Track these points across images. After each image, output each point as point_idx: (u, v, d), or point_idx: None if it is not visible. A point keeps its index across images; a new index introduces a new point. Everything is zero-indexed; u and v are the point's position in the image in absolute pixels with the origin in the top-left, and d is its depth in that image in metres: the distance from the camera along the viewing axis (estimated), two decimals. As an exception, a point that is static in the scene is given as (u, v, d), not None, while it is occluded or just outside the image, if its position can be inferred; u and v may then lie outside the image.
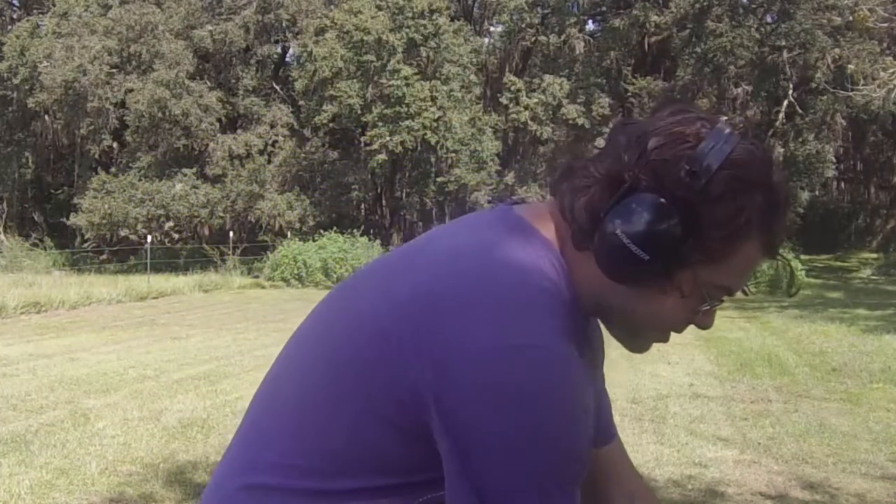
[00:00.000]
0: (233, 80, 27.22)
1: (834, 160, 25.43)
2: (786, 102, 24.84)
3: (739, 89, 26.54)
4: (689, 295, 0.91)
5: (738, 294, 0.98)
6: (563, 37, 27.08)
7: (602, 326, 1.06)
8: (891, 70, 18.35)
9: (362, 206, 28.26)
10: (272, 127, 26.51)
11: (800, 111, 24.61)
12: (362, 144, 25.01)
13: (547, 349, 0.84)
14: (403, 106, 23.42)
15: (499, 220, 0.97)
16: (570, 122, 25.64)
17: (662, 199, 0.86)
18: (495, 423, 0.83)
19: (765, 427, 5.75)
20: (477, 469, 0.84)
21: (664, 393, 6.92)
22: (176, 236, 26.22)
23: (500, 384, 0.83)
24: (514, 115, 26.33)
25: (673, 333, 0.99)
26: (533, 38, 27.70)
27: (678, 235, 0.86)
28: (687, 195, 0.86)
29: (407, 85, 23.43)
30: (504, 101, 26.31)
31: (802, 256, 21.45)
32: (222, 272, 21.63)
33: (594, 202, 0.90)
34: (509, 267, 0.90)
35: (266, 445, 0.96)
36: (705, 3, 23.77)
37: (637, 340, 0.99)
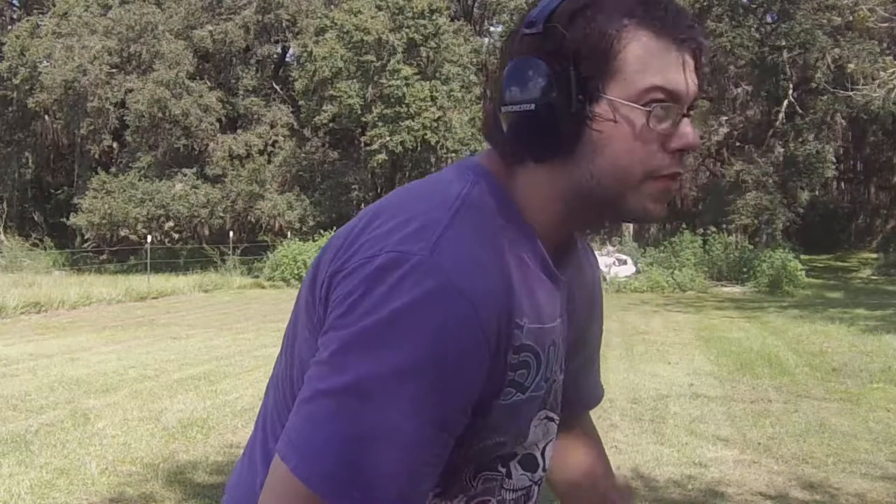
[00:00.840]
0: (233, 80, 27.23)
1: (834, 160, 25.41)
2: (786, 102, 24.84)
3: (739, 89, 26.54)
4: (624, 117, 0.84)
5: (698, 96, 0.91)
6: (563, 37, 27.08)
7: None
8: (891, 70, 18.34)
9: (362, 206, 28.22)
10: (272, 127, 26.51)
11: (800, 111, 24.62)
12: (362, 144, 25.01)
13: (440, 267, 0.79)
14: (403, 106, 23.43)
15: (456, 165, 0.96)
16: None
17: (519, 58, 0.86)
18: (360, 308, 0.79)
19: (765, 427, 5.75)
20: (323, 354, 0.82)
21: (664, 393, 6.93)
22: (176, 236, 26.24)
23: (378, 279, 0.80)
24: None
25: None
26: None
27: (551, 72, 0.84)
28: (539, 42, 0.85)
29: (407, 85, 23.44)
30: (504, 101, 26.28)
31: (802, 256, 21.45)
32: (222, 272, 21.64)
33: (491, 107, 0.90)
34: (431, 187, 0.89)
35: (272, 439, 0.96)
36: (705, 3, 23.78)
37: (632, 202, 0.88)
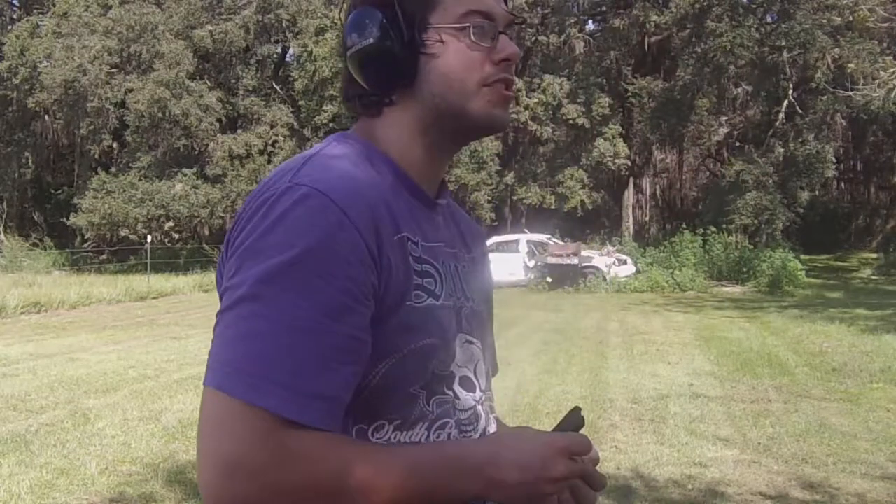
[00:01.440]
0: (233, 80, 27.23)
1: (834, 160, 25.42)
2: (786, 102, 24.84)
3: (739, 89, 26.54)
4: (450, 39, 0.97)
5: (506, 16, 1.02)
6: (563, 37, 27.09)
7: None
8: (891, 70, 18.34)
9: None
10: (272, 127, 26.52)
11: (800, 111, 24.62)
12: (362, 144, 25.00)
13: (320, 194, 0.87)
14: (403, 106, 23.38)
15: None
16: (570, 122, 25.64)
17: (352, 8, 0.99)
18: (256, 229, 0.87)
19: (765, 427, 5.75)
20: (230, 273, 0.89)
21: (664, 393, 6.93)
22: (176, 236, 26.26)
23: (257, 210, 0.89)
24: (514, 115, 26.33)
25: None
26: (533, 38, 27.69)
27: (379, 12, 0.96)
28: None
29: (407, 85, 23.41)
30: (504, 101, 26.28)
31: (802, 256, 21.46)
32: (222, 272, 21.59)
33: (346, 71, 1.02)
34: (295, 157, 0.99)
35: None
36: (705, 3, 23.77)
37: (475, 111, 0.99)
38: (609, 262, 20.13)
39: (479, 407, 1.03)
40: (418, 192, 1.01)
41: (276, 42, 28.44)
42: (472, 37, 0.97)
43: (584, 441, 0.97)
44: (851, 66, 20.26)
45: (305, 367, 0.82)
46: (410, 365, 0.93)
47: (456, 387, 1.00)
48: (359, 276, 0.86)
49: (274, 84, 28.33)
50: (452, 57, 0.97)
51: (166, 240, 25.52)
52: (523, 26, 28.35)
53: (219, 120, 26.02)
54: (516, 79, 1.00)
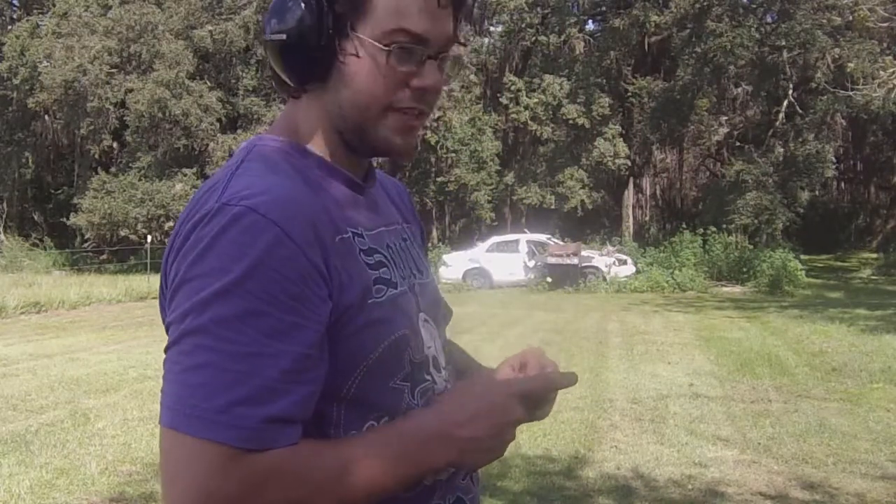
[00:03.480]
0: (233, 80, 27.23)
1: (834, 160, 25.41)
2: (786, 102, 24.85)
3: (739, 89, 26.54)
4: (368, 55, 0.91)
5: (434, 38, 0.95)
6: (563, 37, 27.08)
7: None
8: (891, 70, 18.34)
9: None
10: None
11: (800, 111, 24.62)
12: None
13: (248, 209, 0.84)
14: (403, 106, 23.40)
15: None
16: (570, 122, 25.64)
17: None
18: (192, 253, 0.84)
19: (765, 427, 5.75)
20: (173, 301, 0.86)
21: (664, 393, 6.93)
22: (176, 236, 26.20)
23: (187, 237, 0.86)
24: (514, 115, 26.34)
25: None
26: (533, 38, 27.70)
27: (304, 5, 0.90)
28: None
29: (407, 85, 23.43)
30: (504, 100, 26.32)
31: (802, 256, 21.45)
32: (222, 272, 21.60)
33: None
34: (216, 173, 0.95)
35: None
36: (705, 3, 23.77)
37: (374, 133, 0.94)
38: (609, 262, 20.13)
39: (447, 385, 1.03)
40: (351, 183, 0.98)
41: (276, 42, 28.42)
42: (391, 59, 0.90)
43: (534, 381, 0.97)
44: (851, 66, 20.26)
45: (256, 394, 0.80)
46: (388, 361, 0.92)
47: (431, 369, 1.00)
48: (303, 292, 0.83)
49: (277, 88, 28.33)
50: (365, 74, 0.91)
51: (166, 240, 25.45)
52: (526, 29, 28.35)
53: (219, 120, 26.01)
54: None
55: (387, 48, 0.90)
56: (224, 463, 0.79)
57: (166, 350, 0.85)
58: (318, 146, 0.97)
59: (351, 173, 0.99)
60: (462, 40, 0.97)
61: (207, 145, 25.83)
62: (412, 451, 0.89)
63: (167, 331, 0.86)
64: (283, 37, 0.91)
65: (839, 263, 27.67)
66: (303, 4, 0.90)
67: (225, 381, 0.80)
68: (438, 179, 26.23)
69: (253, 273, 0.81)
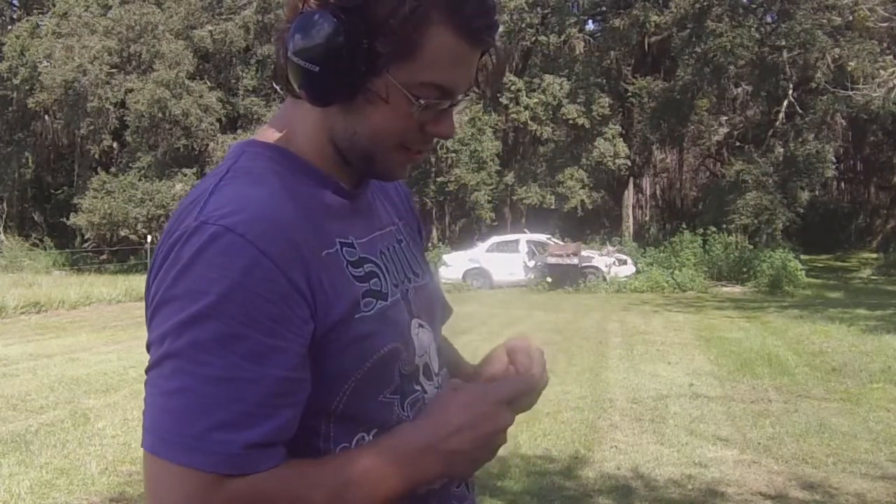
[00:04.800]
0: (233, 80, 27.23)
1: (834, 160, 25.42)
2: (786, 102, 24.84)
3: (739, 89, 26.54)
4: (396, 100, 0.89)
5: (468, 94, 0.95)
6: (563, 37, 27.08)
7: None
8: (891, 69, 18.35)
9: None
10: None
11: (800, 111, 24.62)
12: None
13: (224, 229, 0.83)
14: (403, 106, 23.38)
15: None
16: (570, 122, 25.64)
17: (317, 11, 0.86)
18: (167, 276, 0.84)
19: (765, 427, 5.75)
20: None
21: (664, 393, 6.93)
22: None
23: (166, 256, 0.85)
24: (514, 115, 26.33)
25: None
26: (533, 38, 27.69)
27: (342, 40, 0.85)
28: (345, 3, 0.86)
29: (407, 85, 23.40)
30: (504, 101, 26.30)
31: (802, 256, 21.45)
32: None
33: (281, 44, 0.92)
34: (204, 179, 0.95)
35: None
36: (705, 3, 23.77)
37: (379, 163, 0.94)
38: (609, 262, 20.13)
39: (438, 391, 1.01)
40: (342, 191, 0.97)
41: (276, 42, 28.43)
42: (417, 111, 0.89)
43: (521, 385, 0.96)
44: (851, 65, 20.26)
45: (236, 419, 0.79)
46: (376, 376, 0.91)
47: (422, 379, 0.98)
48: (283, 313, 0.82)
49: (274, 84, 28.32)
50: (388, 117, 0.90)
51: (166, 240, 25.49)
52: (526, 29, 28.29)
53: (219, 120, 26.01)
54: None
55: (417, 101, 0.89)
56: (205, 488, 0.79)
57: (146, 372, 0.84)
58: (310, 152, 0.95)
59: (343, 180, 0.97)
60: (480, 89, 0.96)
61: (207, 145, 25.83)
62: (400, 467, 0.88)
63: (148, 350, 0.85)
64: (315, 69, 0.86)
65: (839, 263, 27.67)
66: (342, 35, 0.85)
67: (202, 407, 0.79)
68: (438, 179, 26.23)
69: (230, 295, 0.80)
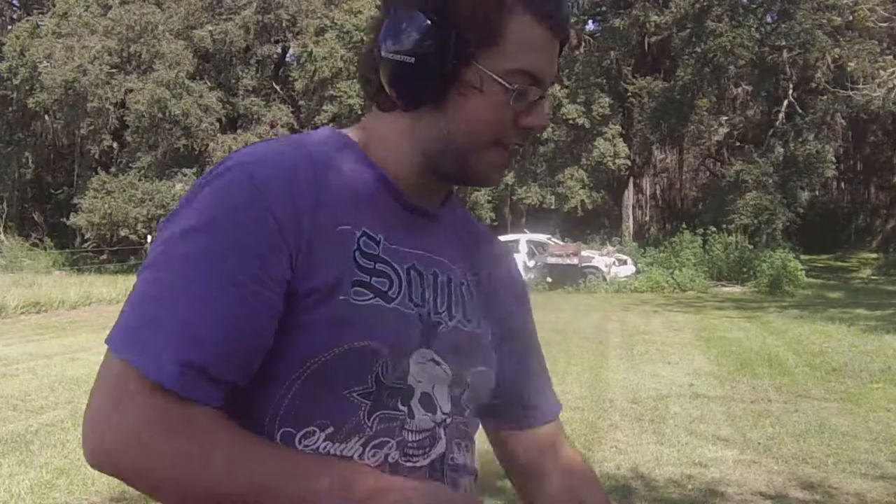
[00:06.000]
0: (233, 80, 27.22)
1: (834, 160, 25.42)
2: (786, 102, 24.84)
3: (739, 89, 26.54)
4: (489, 88, 0.90)
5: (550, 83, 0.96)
6: (563, 37, 27.07)
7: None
8: (891, 69, 18.35)
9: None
10: (272, 127, 26.51)
11: (800, 111, 24.62)
12: (362, 144, 25.03)
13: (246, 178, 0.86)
14: (403, 106, 23.39)
15: None
16: (570, 122, 25.63)
17: (405, 13, 0.90)
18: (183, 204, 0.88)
19: (765, 427, 5.75)
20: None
21: (664, 393, 6.93)
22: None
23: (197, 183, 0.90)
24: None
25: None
26: (533, 38, 27.68)
27: (433, 29, 0.88)
28: (430, 2, 0.90)
29: (407, 85, 23.41)
30: (504, 100, 26.28)
31: (802, 256, 21.46)
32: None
33: (370, 51, 0.95)
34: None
35: None
36: (705, 3, 23.78)
37: (473, 164, 0.94)
38: (609, 262, 20.13)
39: (441, 430, 0.94)
40: (399, 197, 0.95)
41: (276, 42, 28.43)
42: (511, 99, 0.90)
43: None
44: (851, 65, 20.27)
45: (184, 335, 0.80)
46: (345, 366, 0.87)
47: (414, 404, 0.92)
48: (263, 255, 0.84)
49: (274, 84, 28.33)
50: (483, 107, 0.91)
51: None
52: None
53: (219, 120, 26.02)
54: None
55: (510, 86, 0.90)
56: (128, 383, 0.80)
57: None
58: (389, 156, 0.95)
59: (418, 196, 0.97)
60: (558, 78, 0.96)
61: (207, 145, 25.83)
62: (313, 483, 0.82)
63: None
64: (410, 59, 0.89)
65: (839, 263, 27.66)
66: (431, 29, 0.89)
67: (159, 314, 0.82)
68: (438, 179, 26.22)
69: (220, 222, 0.84)
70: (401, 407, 0.91)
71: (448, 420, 0.96)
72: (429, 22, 0.88)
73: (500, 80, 0.89)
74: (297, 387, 0.87)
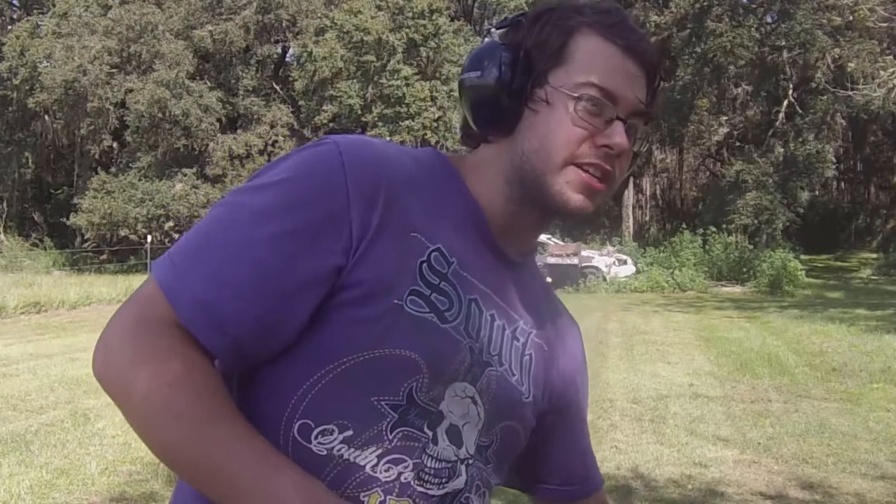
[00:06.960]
0: (233, 80, 27.22)
1: (834, 160, 25.42)
2: (786, 102, 24.84)
3: (739, 89, 26.53)
4: (555, 101, 0.91)
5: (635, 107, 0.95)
6: (563, 37, 27.08)
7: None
8: (891, 69, 18.35)
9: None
10: (272, 127, 26.51)
11: (800, 111, 24.62)
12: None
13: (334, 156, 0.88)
14: (403, 106, 23.42)
15: None
16: (570, 122, 25.62)
17: (484, 38, 0.97)
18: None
19: (765, 427, 5.75)
20: None
21: (664, 393, 6.93)
22: (176, 236, 26.22)
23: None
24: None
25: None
26: (533, 38, 27.69)
27: (507, 55, 0.93)
28: (504, 34, 0.97)
29: (407, 85, 23.44)
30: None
31: (802, 256, 21.46)
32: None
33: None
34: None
35: None
36: (705, 3, 23.78)
37: (549, 186, 0.92)
38: (609, 262, 20.13)
39: (462, 467, 0.91)
40: (486, 234, 0.96)
41: (276, 42, 28.42)
42: (580, 111, 0.90)
43: None
44: (851, 65, 20.27)
45: (215, 271, 0.83)
46: (381, 371, 0.85)
47: (440, 430, 0.89)
48: (324, 228, 0.84)
49: (274, 84, 28.33)
50: (552, 122, 0.91)
51: (166, 240, 25.47)
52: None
53: (219, 120, 26.01)
54: (620, 175, 0.89)
55: (577, 97, 0.91)
56: (150, 301, 0.85)
57: None
58: (480, 188, 0.96)
59: (502, 231, 0.97)
60: (653, 112, 0.97)
61: (207, 145, 25.82)
62: (233, 482, 0.80)
63: None
64: (481, 79, 0.94)
65: (839, 263, 27.66)
66: (503, 54, 0.93)
67: (201, 250, 0.85)
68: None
69: (293, 181, 0.86)
70: (426, 430, 0.88)
71: (471, 462, 0.93)
72: (503, 48, 0.94)
73: (566, 91, 0.91)
74: (327, 380, 0.85)
